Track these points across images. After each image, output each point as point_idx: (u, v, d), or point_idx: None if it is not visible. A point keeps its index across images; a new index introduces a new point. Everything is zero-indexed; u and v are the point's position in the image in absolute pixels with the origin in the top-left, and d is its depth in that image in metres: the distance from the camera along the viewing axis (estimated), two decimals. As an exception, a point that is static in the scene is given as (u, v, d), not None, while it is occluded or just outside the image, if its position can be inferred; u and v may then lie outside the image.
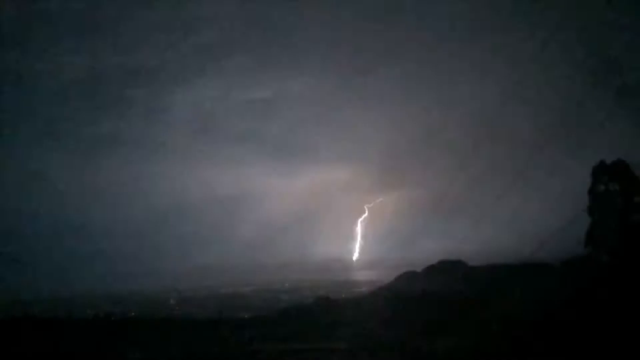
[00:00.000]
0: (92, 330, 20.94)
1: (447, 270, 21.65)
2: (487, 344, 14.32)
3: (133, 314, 22.62)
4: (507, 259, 20.72)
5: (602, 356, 12.84)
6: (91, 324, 22.16)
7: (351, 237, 26.31)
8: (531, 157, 23.93)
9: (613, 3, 15.70)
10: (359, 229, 26.20)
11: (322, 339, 17.39)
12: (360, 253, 26.23)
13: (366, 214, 26.29)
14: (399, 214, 25.00)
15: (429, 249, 24.60)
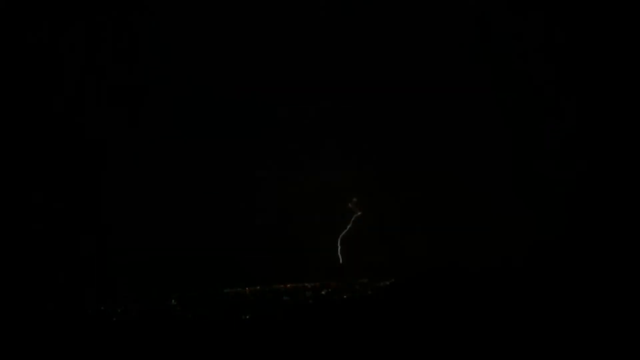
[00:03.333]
0: (92, 330, 21.00)
1: (447, 274, 21.72)
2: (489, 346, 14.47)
3: (135, 314, 22.72)
4: (504, 263, 20.85)
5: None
6: (91, 324, 22.21)
7: (349, 237, 26.27)
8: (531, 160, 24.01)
9: None
10: (355, 230, 26.16)
11: (323, 340, 17.48)
12: (359, 254, 26.21)
13: (361, 214, 26.22)
14: (398, 216, 25.06)
15: (428, 253, 24.58)
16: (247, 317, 22.83)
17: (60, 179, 23.45)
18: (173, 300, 24.43)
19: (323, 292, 25.13)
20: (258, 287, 25.62)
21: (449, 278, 21.13)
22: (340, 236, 26.20)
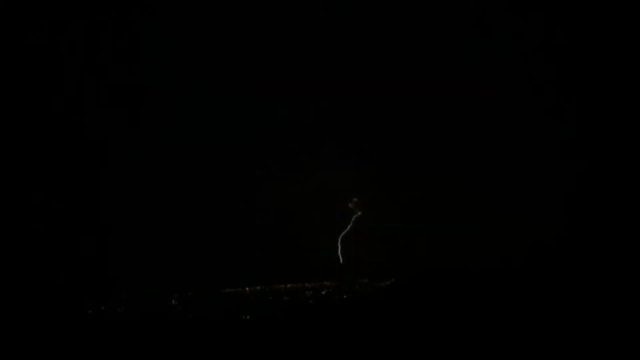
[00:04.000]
0: (92, 330, 21.00)
1: (447, 274, 21.75)
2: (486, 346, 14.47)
3: (135, 314, 22.71)
4: (504, 263, 20.85)
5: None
6: (91, 324, 22.21)
7: (349, 237, 26.25)
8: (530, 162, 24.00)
9: None
10: (355, 230, 26.15)
11: (323, 340, 17.48)
12: (359, 254, 26.19)
13: (361, 214, 26.20)
14: (398, 216, 25.04)
15: (428, 253, 24.57)
16: (247, 317, 22.83)
17: (60, 179, 23.43)
18: (173, 300, 24.42)
19: (323, 292, 25.14)
20: (258, 287, 25.60)
21: (449, 278, 21.13)
22: (340, 236, 26.16)
